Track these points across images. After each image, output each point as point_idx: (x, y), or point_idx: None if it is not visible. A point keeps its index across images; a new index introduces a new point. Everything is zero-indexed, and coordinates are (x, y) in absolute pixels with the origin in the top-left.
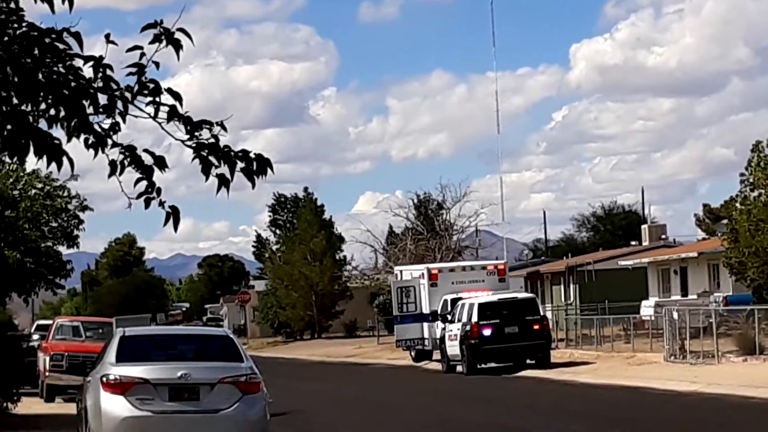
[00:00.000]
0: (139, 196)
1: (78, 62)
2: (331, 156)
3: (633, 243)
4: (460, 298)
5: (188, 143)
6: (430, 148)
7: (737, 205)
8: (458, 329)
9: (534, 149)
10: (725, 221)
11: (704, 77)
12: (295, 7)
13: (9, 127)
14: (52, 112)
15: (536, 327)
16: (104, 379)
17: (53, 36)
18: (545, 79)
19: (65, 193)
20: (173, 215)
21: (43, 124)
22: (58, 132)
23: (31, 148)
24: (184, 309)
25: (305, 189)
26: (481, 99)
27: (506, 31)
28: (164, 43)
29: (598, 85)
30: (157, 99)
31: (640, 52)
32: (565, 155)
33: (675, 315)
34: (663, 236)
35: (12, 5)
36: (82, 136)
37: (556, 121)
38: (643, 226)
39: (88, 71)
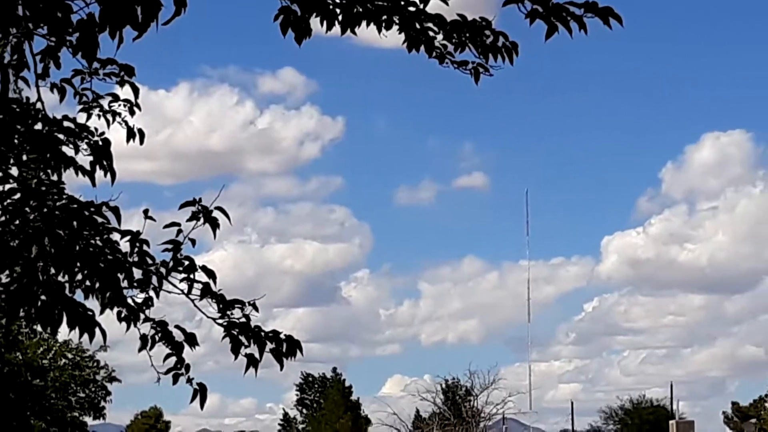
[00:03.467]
0: (168, 371)
1: (115, 236)
2: (361, 337)
3: None
4: None
5: (219, 321)
6: (459, 333)
7: (766, 404)
8: None
9: (563, 339)
10: (754, 420)
11: (736, 275)
12: (333, 189)
13: (43, 297)
14: (87, 283)
15: None
16: None
17: (92, 209)
18: (577, 270)
19: (94, 364)
20: (200, 392)
21: (77, 295)
22: (92, 303)
23: (64, 319)
24: None
25: (333, 369)
26: (513, 287)
27: (541, 221)
28: (201, 221)
29: (629, 278)
30: (191, 276)
31: (673, 248)
32: (594, 347)
33: None
34: None
35: (54, 177)
36: (115, 309)
37: (586, 312)
38: (671, 422)
39: (124, 245)
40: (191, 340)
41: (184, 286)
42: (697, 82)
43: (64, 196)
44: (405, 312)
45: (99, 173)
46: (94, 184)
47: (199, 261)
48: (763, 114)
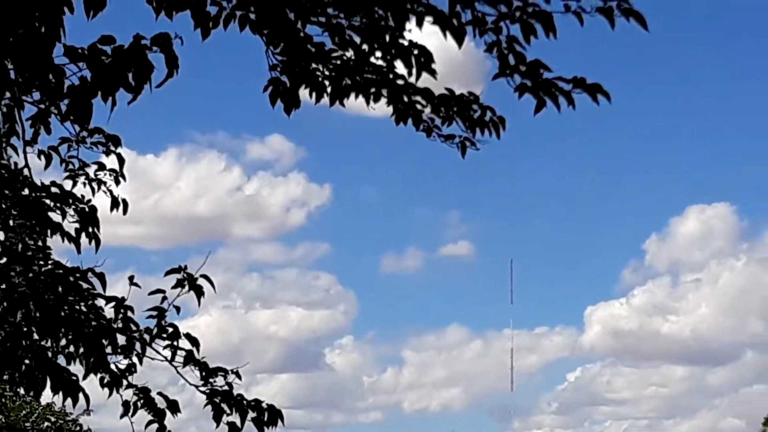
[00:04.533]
0: None
1: (100, 301)
2: (344, 404)
3: None
4: None
5: (202, 389)
6: (442, 401)
7: None
8: None
9: (546, 408)
10: None
11: (718, 347)
12: (319, 255)
13: (27, 361)
14: (71, 348)
15: None
16: None
17: (77, 275)
18: (561, 340)
19: (77, 428)
20: None
21: (60, 360)
22: (76, 367)
23: (48, 383)
24: None
25: None
26: (496, 355)
27: (525, 290)
28: (186, 288)
29: (613, 348)
30: (175, 343)
31: (656, 319)
32: (577, 417)
33: None
34: None
35: (39, 243)
36: (98, 375)
37: (569, 381)
38: None
39: (109, 311)
40: (173, 407)
41: (167, 352)
42: (683, 155)
43: (50, 262)
44: (388, 379)
45: (85, 239)
46: (79, 251)
47: (183, 325)
48: (747, 188)
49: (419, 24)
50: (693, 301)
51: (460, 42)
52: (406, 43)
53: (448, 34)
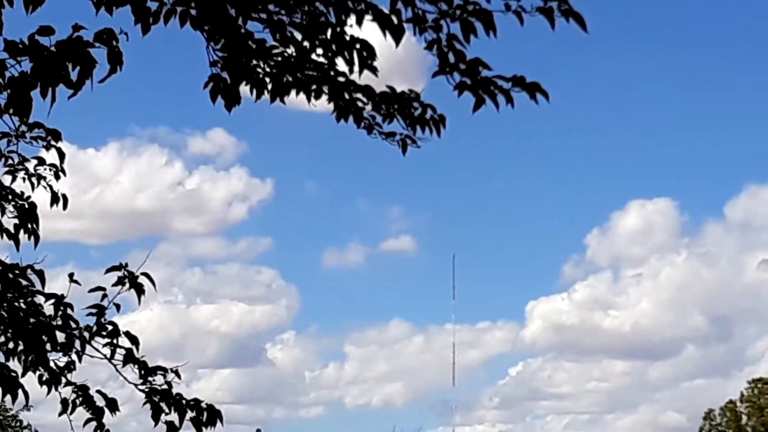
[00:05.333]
0: None
1: (39, 298)
2: (285, 399)
3: None
4: None
5: (141, 387)
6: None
7: None
8: None
9: (487, 403)
10: None
11: (659, 342)
12: (261, 250)
13: None
14: (11, 345)
15: None
16: None
17: (17, 272)
18: (503, 335)
19: (17, 423)
20: None
21: None
22: (15, 364)
23: None
24: None
25: (257, 431)
26: (438, 350)
27: (467, 285)
28: (127, 286)
29: (554, 343)
30: (115, 341)
31: (597, 314)
32: (518, 411)
33: None
34: None
35: None
36: (37, 372)
37: (511, 376)
38: None
39: (48, 308)
40: (112, 405)
41: (107, 351)
42: (624, 150)
43: None
44: (330, 374)
45: (23, 235)
46: (18, 249)
47: (124, 321)
48: (688, 183)
49: (359, 21)
50: (634, 295)
51: (398, 40)
52: (348, 38)
53: (387, 32)
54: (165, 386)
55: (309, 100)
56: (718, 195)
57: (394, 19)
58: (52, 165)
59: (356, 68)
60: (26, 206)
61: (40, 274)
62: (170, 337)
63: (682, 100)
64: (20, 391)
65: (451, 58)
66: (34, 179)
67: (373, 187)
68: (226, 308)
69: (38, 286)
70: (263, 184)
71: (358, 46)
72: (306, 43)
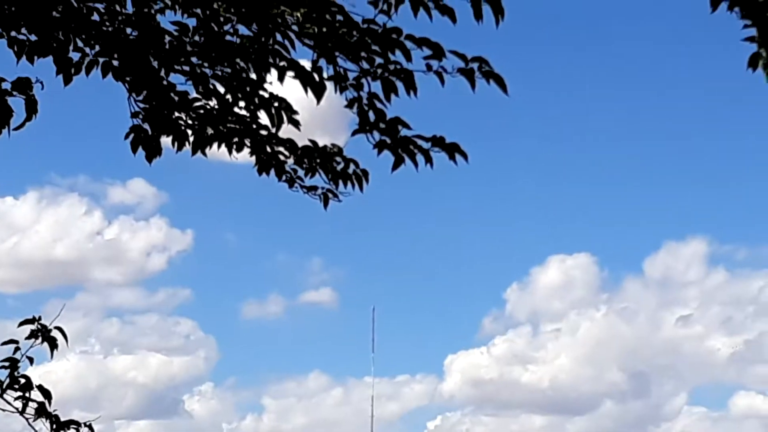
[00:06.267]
0: None
1: None
2: None
3: None
4: None
5: None
6: None
7: None
8: None
9: None
10: None
11: (577, 397)
12: (180, 301)
13: None
14: None
15: None
16: None
17: None
18: (422, 388)
19: None
20: None
21: None
22: None
23: None
24: None
25: None
26: (357, 403)
27: (387, 338)
28: (40, 339)
29: (472, 397)
30: (27, 395)
31: (516, 368)
32: None
33: None
34: None
35: None
36: None
37: (429, 429)
38: None
39: None
40: None
41: (18, 404)
42: (544, 205)
43: None
44: (248, 426)
45: None
46: None
47: (40, 371)
48: (607, 239)
49: (281, 78)
50: (552, 350)
51: (319, 97)
52: (266, 95)
53: (308, 89)
54: None
55: (230, 152)
56: (637, 251)
57: (316, 76)
58: None
59: (277, 122)
60: None
61: None
62: (87, 387)
63: (600, 156)
64: None
65: (372, 116)
66: None
67: (294, 240)
68: (143, 359)
69: None
70: (183, 234)
71: (276, 104)
72: (228, 96)
